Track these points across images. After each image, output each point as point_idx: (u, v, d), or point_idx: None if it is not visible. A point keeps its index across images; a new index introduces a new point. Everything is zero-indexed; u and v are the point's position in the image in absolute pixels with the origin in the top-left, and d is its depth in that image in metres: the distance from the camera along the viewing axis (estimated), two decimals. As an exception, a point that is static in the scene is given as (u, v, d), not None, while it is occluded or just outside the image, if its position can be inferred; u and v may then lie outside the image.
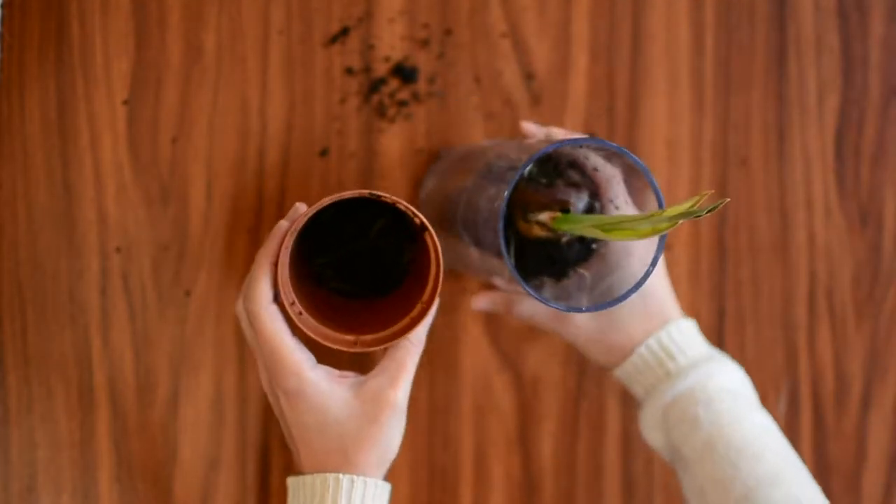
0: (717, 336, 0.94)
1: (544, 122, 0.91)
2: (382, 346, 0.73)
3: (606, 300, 0.76)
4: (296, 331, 0.72)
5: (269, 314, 0.71)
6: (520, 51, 0.91)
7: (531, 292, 0.76)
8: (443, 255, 0.72)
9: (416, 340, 0.73)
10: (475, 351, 0.91)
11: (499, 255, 0.73)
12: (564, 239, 0.78)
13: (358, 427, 0.72)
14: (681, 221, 0.70)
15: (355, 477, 0.71)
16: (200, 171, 0.87)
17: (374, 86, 0.89)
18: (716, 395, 0.80)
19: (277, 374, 0.72)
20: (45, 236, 0.86)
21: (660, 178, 0.92)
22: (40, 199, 0.85)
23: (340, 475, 0.71)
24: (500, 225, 0.72)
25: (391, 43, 0.89)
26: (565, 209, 0.77)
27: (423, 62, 0.90)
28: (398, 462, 0.89)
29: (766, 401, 0.95)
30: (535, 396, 0.92)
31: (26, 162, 0.85)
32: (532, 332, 0.92)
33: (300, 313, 0.72)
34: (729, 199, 0.72)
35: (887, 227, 0.95)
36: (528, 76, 0.91)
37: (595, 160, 0.78)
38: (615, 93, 0.92)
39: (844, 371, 0.95)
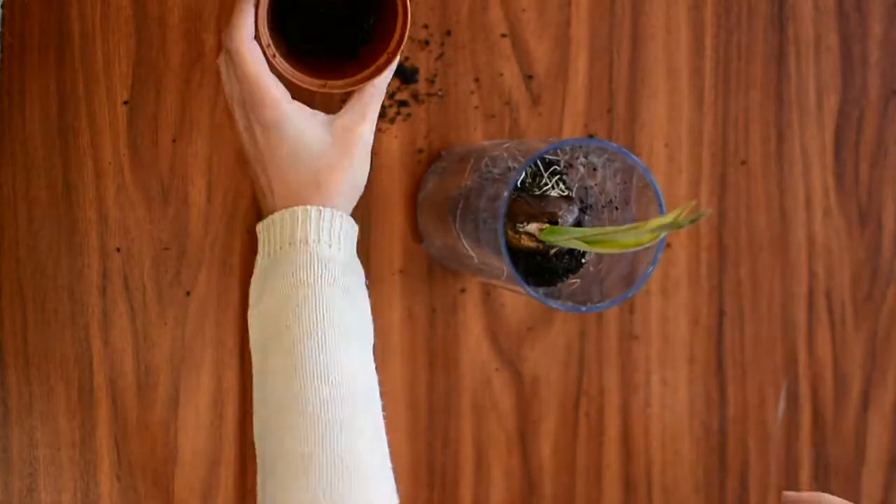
0: (717, 336, 0.94)
1: (544, 122, 0.91)
2: (349, 89, 0.78)
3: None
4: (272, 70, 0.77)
5: (250, 50, 0.75)
6: (520, 51, 0.91)
7: (530, 292, 0.76)
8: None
9: (380, 85, 0.78)
10: (475, 351, 0.91)
11: (498, 254, 0.73)
12: (553, 250, 0.78)
13: (330, 159, 0.77)
14: (664, 234, 0.71)
15: (323, 208, 0.76)
16: (200, 171, 0.87)
17: (374, 86, 0.89)
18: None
19: (256, 107, 0.76)
20: (46, 236, 0.86)
21: (660, 178, 0.92)
22: (40, 199, 0.85)
23: (309, 207, 0.76)
24: (500, 225, 0.73)
25: (391, 43, 0.89)
26: (553, 221, 0.77)
27: (423, 62, 0.90)
28: (398, 462, 0.89)
29: (765, 400, 0.95)
30: (534, 396, 0.92)
31: (26, 162, 0.85)
32: (532, 332, 0.92)
33: (274, 55, 0.77)
34: (711, 211, 0.73)
35: (887, 227, 0.95)
36: (528, 76, 0.91)
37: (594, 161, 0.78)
38: (615, 93, 0.92)
39: (844, 371, 0.95)
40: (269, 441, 0.73)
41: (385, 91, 0.79)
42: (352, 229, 0.78)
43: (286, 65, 0.77)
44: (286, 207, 0.77)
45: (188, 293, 0.87)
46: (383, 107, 0.89)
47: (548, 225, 0.77)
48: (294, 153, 0.77)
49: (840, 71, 0.94)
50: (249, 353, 0.88)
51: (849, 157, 0.95)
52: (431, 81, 0.90)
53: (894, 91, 0.95)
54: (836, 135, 0.94)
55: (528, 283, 0.78)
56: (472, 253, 0.79)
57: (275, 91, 0.76)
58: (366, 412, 0.73)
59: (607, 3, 0.92)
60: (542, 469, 0.92)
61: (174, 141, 0.87)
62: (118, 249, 0.86)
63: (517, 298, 0.91)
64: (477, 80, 0.90)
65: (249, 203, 0.88)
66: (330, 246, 0.76)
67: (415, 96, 0.90)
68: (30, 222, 0.86)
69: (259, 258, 0.79)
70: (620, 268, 0.80)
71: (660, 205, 0.76)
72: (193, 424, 0.87)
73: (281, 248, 0.77)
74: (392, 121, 0.89)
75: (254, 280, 0.79)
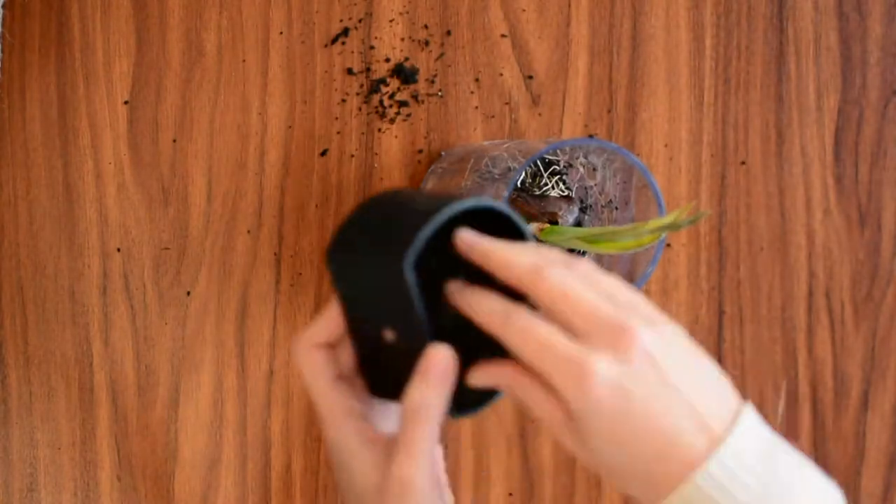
0: (716, 336, 0.94)
1: (544, 122, 0.91)
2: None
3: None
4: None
5: (307, 357, 0.65)
6: (520, 51, 0.91)
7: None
8: None
9: (419, 407, 0.61)
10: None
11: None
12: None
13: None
14: (663, 234, 0.71)
15: None
16: (201, 171, 0.87)
17: (375, 86, 0.89)
18: None
19: (322, 424, 0.66)
20: (46, 236, 0.86)
21: (659, 178, 0.92)
22: (40, 199, 0.85)
23: None
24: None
25: (391, 43, 0.89)
26: (553, 221, 0.78)
27: (423, 63, 0.90)
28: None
29: (765, 401, 0.95)
30: (534, 396, 0.92)
31: (26, 162, 0.85)
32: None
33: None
34: (710, 212, 0.72)
35: (886, 227, 0.95)
36: (528, 76, 0.91)
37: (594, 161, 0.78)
38: (615, 93, 0.92)
39: (843, 371, 0.95)
40: None
41: (435, 414, 0.62)
42: None
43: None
44: None
45: (188, 293, 0.87)
46: (384, 107, 0.89)
47: (548, 225, 0.77)
48: (348, 485, 0.65)
49: (840, 71, 0.94)
50: (249, 352, 0.88)
51: (849, 158, 0.95)
52: (431, 81, 0.90)
53: (894, 91, 0.95)
54: (836, 135, 0.95)
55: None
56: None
57: (324, 408, 0.65)
58: None
59: (607, 3, 0.92)
60: (542, 469, 0.92)
61: (174, 141, 0.87)
62: (118, 249, 0.86)
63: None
64: (477, 80, 0.90)
65: (249, 203, 0.88)
66: None
67: (415, 96, 0.90)
68: (30, 222, 0.86)
69: None
70: (620, 268, 0.80)
71: (659, 205, 0.76)
72: (193, 424, 0.87)
73: None
74: (392, 121, 0.89)
75: None
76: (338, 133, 0.89)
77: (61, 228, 0.86)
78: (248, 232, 0.88)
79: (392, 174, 0.89)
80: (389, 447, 0.63)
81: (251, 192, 0.88)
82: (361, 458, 0.63)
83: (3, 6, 0.84)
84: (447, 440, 0.91)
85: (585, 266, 0.61)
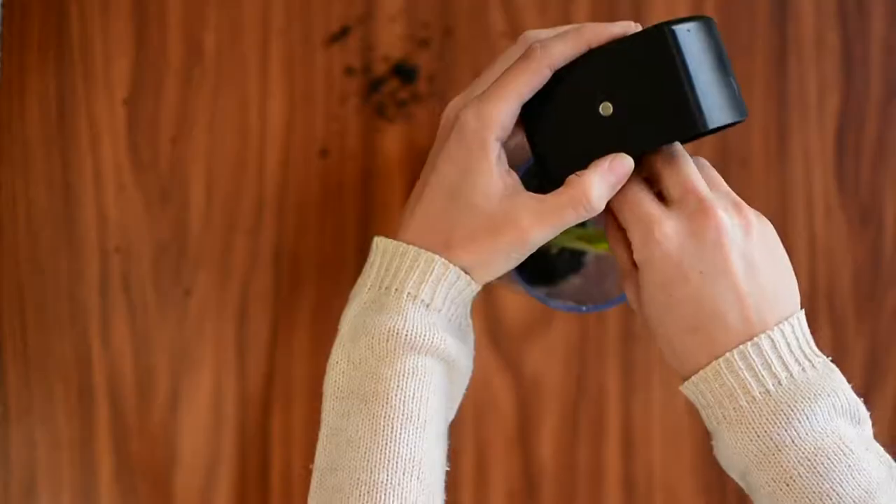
0: (718, 336, 0.94)
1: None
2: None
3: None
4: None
5: (539, 72, 0.66)
6: (520, 51, 0.91)
7: (530, 292, 0.76)
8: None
9: (592, 196, 0.65)
10: (475, 351, 0.91)
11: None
12: (553, 250, 0.78)
13: (475, 226, 0.66)
14: None
15: (461, 273, 0.66)
16: (200, 171, 0.87)
17: (374, 86, 0.89)
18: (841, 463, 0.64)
19: (473, 109, 0.66)
20: (45, 236, 0.86)
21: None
22: (40, 199, 0.85)
23: (444, 263, 0.66)
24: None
25: (391, 43, 0.89)
26: None
27: (423, 62, 0.90)
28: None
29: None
30: (535, 396, 0.92)
31: (26, 162, 0.85)
32: (532, 331, 0.92)
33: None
34: None
35: (887, 227, 0.95)
36: (528, 76, 0.91)
37: None
38: (615, 93, 0.92)
39: (843, 371, 0.95)
40: None
41: (593, 204, 0.65)
42: (470, 297, 0.68)
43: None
44: (418, 243, 0.67)
45: (188, 293, 0.87)
46: (383, 107, 0.89)
47: None
48: (454, 186, 0.66)
49: (841, 71, 0.94)
50: (249, 352, 0.88)
51: (850, 157, 0.95)
52: (431, 81, 0.90)
53: (895, 91, 0.95)
54: (837, 135, 0.94)
55: (529, 284, 0.78)
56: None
57: (502, 113, 0.65)
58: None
59: (608, 2, 0.92)
60: (542, 469, 0.92)
61: (174, 141, 0.87)
62: (118, 249, 0.86)
63: (517, 298, 0.91)
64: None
65: (249, 203, 0.88)
66: (448, 319, 0.68)
67: (415, 96, 0.90)
68: (29, 222, 0.86)
69: (369, 278, 0.68)
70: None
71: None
72: (193, 425, 0.87)
73: (397, 290, 0.67)
74: (392, 121, 0.89)
75: (354, 302, 0.69)
76: (338, 133, 0.89)
77: (60, 228, 0.86)
78: (248, 232, 0.88)
79: (392, 174, 0.89)
80: (518, 190, 0.66)
81: (251, 192, 0.88)
82: (492, 177, 0.65)
83: (3, 6, 0.84)
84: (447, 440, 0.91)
85: (702, 160, 0.68)
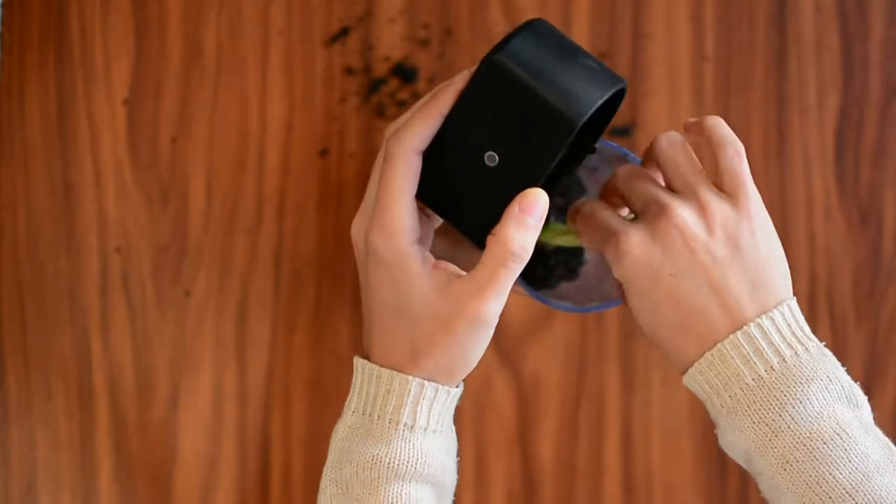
0: (717, 336, 0.94)
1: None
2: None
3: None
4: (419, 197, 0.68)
5: (407, 163, 0.66)
6: (520, 51, 0.91)
7: (530, 292, 0.76)
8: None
9: (514, 248, 0.65)
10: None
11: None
12: (551, 248, 0.78)
13: (430, 332, 0.66)
14: None
15: (428, 383, 0.66)
16: (200, 171, 0.87)
17: (374, 86, 0.89)
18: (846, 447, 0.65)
19: (375, 230, 0.66)
20: (45, 236, 0.86)
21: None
22: (40, 199, 0.85)
23: (419, 380, 0.66)
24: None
25: (391, 43, 0.89)
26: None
27: (423, 62, 0.90)
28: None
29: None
30: (535, 396, 0.92)
31: (26, 162, 0.85)
32: (532, 331, 0.92)
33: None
34: None
35: (887, 227, 0.95)
36: (528, 76, 0.91)
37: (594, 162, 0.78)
38: (615, 93, 0.92)
39: (844, 371, 0.95)
40: None
41: (525, 256, 0.66)
42: (453, 401, 0.69)
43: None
44: (382, 362, 0.68)
45: (188, 293, 0.87)
46: (383, 107, 0.89)
47: None
48: (395, 304, 0.67)
49: (841, 71, 0.94)
50: (249, 352, 0.88)
51: (850, 158, 0.95)
52: (431, 81, 0.90)
53: (895, 91, 0.95)
54: (837, 135, 0.94)
55: (528, 284, 0.78)
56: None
57: (403, 222, 0.66)
58: None
59: (608, 2, 0.92)
60: (542, 469, 0.92)
61: (174, 141, 0.87)
62: (118, 249, 0.86)
63: (517, 298, 0.91)
64: (477, 79, 0.90)
65: (249, 203, 0.88)
66: (433, 431, 0.68)
67: (415, 96, 0.90)
68: (29, 222, 0.86)
69: (352, 401, 0.69)
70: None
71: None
72: (193, 425, 0.87)
73: (380, 417, 0.67)
74: (392, 121, 0.89)
75: (341, 424, 0.70)
76: (338, 133, 0.89)
77: (60, 228, 0.86)
78: (248, 232, 0.88)
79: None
80: (450, 280, 0.66)
81: (251, 192, 0.88)
82: (422, 285, 0.66)
83: (3, 5, 0.84)
84: (447, 440, 0.91)
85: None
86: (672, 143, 0.69)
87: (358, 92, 0.89)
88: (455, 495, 0.92)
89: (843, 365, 0.70)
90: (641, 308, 0.68)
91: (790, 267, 0.94)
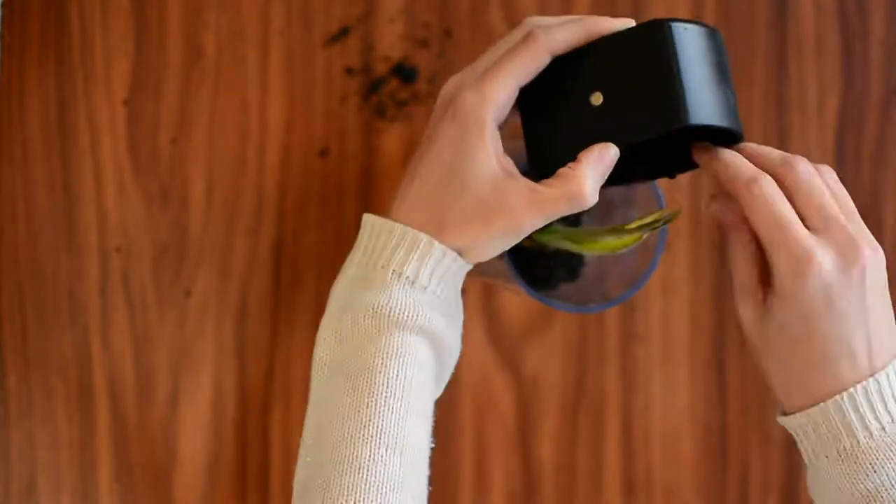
0: (718, 335, 0.94)
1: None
2: None
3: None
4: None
5: (540, 55, 0.66)
6: (520, 51, 0.91)
7: (530, 292, 0.76)
8: None
9: (579, 189, 0.65)
10: (475, 351, 0.91)
11: (499, 255, 0.73)
12: (549, 250, 0.78)
13: (470, 209, 0.65)
14: (645, 234, 0.72)
15: (447, 250, 0.65)
16: (200, 171, 0.87)
17: (374, 86, 0.89)
18: None
19: (472, 89, 0.65)
20: (45, 236, 0.86)
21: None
22: (40, 199, 0.85)
23: (433, 243, 0.65)
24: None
25: (391, 43, 0.89)
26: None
27: (423, 62, 0.90)
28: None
29: (765, 401, 0.95)
30: (535, 396, 0.92)
31: (26, 162, 0.85)
32: (532, 331, 0.92)
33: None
34: (682, 211, 0.73)
35: (887, 227, 0.95)
36: (528, 76, 0.91)
37: None
38: (615, 93, 0.92)
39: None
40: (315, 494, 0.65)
41: (586, 197, 0.65)
42: (459, 274, 0.68)
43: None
44: (410, 222, 0.66)
45: (188, 293, 0.87)
46: (383, 106, 0.89)
47: None
48: (451, 166, 0.66)
49: (841, 71, 0.94)
50: (249, 352, 0.88)
51: (850, 158, 0.95)
52: (431, 81, 0.90)
53: (895, 91, 0.95)
54: (837, 135, 0.94)
55: (529, 284, 0.78)
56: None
57: (499, 94, 0.65)
58: (421, 482, 0.66)
59: (608, 2, 0.92)
60: (542, 469, 0.92)
61: (174, 141, 0.87)
62: (118, 249, 0.86)
63: (517, 299, 0.91)
64: (477, 79, 0.90)
65: (249, 203, 0.88)
66: (433, 293, 0.67)
67: (415, 96, 0.90)
68: (29, 222, 0.86)
69: (357, 254, 0.68)
70: (621, 268, 0.80)
71: (660, 204, 0.76)
72: (193, 425, 0.87)
73: (383, 267, 0.66)
74: (392, 120, 0.89)
75: (342, 277, 0.69)
76: (338, 133, 0.89)
77: (60, 228, 0.86)
78: (248, 232, 0.88)
79: (392, 174, 0.89)
80: (513, 175, 0.66)
81: (251, 192, 0.88)
82: (489, 154, 0.65)
83: (3, 6, 0.84)
84: (447, 440, 0.91)
85: (831, 174, 0.67)
86: (812, 175, 0.67)
87: (358, 92, 0.89)
88: (455, 495, 0.92)
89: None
90: (785, 329, 0.66)
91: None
